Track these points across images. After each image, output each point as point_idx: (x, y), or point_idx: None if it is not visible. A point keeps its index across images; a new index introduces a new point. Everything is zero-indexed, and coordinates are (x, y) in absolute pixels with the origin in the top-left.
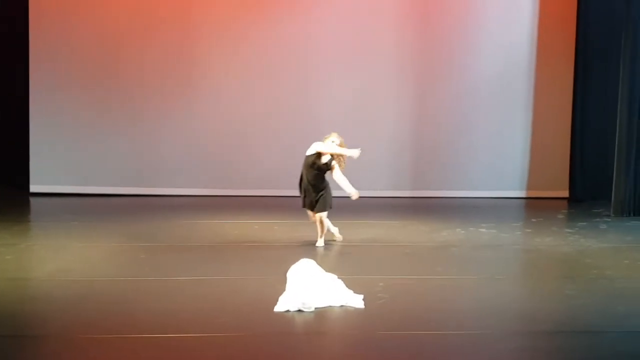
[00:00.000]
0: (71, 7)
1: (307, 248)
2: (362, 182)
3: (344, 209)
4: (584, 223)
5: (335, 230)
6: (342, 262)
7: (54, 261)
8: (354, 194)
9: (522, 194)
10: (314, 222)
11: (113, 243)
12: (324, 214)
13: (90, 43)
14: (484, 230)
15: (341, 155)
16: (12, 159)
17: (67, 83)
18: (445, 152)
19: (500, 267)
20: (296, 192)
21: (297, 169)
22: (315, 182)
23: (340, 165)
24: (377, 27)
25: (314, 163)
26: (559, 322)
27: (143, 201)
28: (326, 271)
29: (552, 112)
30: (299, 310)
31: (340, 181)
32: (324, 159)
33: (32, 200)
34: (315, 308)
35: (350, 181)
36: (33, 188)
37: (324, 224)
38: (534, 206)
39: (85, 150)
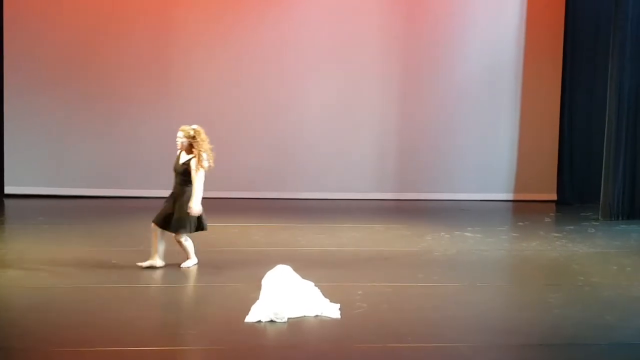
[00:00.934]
0: (47, 8)
1: (284, 253)
2: (346, 184)
3: (325, 211)
4: (572, 227)
5: (192, 257)
6: (320, 268)
7: (17, 266)
8: (194, 211)
9: (509, 196)
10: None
11: (83, 247)
12: (181, 236)
13: (65, 44)
14: (469, 234)
15: (200, 151)
16: None
17: (42, 84)
18: (431, 154)
19: (484, 274)
20: (275, 194)
21: (278, 172)
22: (178, 190)
23: (201, 164)
24: (361, 27)
25: (176, 167)
26: (542, 333)
27: (118, 203)
28: (303, 278)
29: (539, 114)
30: (271, 321)
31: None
32: (182, 159)
33: (7, 202)
34: (289, 318)
35: (334, 183)
36: (8, 190)
37: (185, 246)
38: (522, 209)
39: (61, 152)
